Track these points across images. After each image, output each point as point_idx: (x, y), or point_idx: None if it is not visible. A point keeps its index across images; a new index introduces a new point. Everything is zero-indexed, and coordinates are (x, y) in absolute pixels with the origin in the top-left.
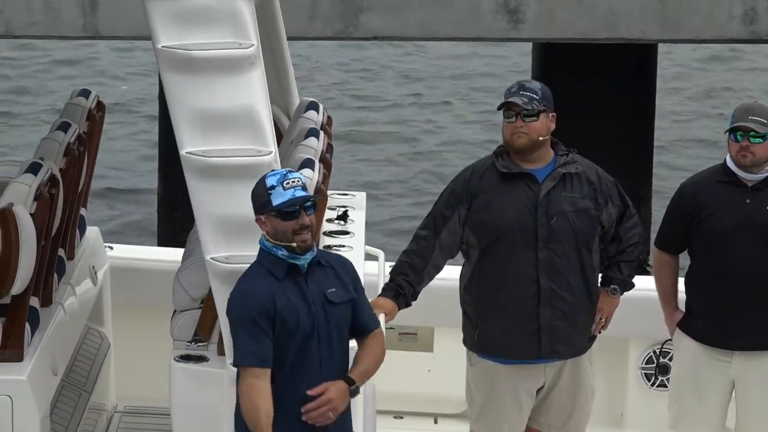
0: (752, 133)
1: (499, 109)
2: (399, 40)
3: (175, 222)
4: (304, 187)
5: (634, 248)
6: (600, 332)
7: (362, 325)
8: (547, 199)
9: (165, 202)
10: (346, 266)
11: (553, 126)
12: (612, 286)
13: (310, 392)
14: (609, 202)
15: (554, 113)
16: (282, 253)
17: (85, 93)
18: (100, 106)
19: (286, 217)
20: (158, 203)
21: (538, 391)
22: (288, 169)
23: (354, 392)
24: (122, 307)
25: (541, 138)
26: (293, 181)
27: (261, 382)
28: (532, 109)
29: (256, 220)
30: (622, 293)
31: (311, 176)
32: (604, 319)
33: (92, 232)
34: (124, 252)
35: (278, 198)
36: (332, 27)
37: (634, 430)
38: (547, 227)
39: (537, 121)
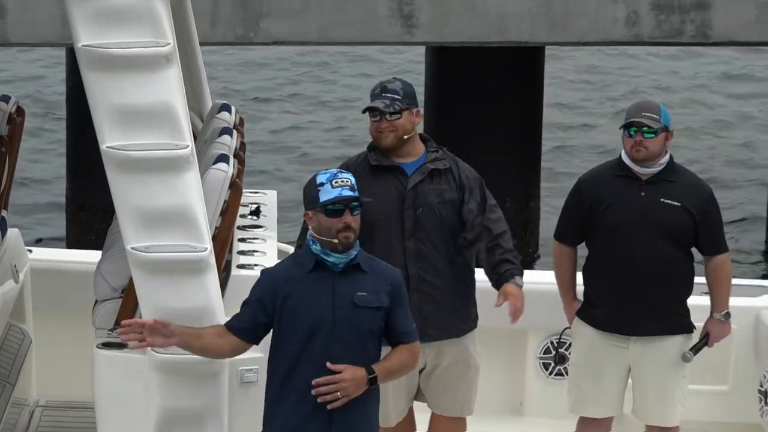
0: (645, 128)
1: (363, 112)
2: (299, 45)
3: (83, 222)
4: (352, 188)
5: (505, 236)
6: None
7: (397, 335)
8: (414, 192)
9: (73, 203)
10: (388, 277)
11: (419, 120)
12: (515, 277)
13: (329, 366)
14: (471, 197)
15: (419, 109)
16: (315, 247)
17: (5, 98)
18: (20, 110)
19: (331, 214)
20: (66, 204)
21: (421, 371)
22: (339, 169)
23: (371, 382)
24: (43, 307)
25: (406, 136)
26: (342, 181)
27: (224, 337)
28: (394, 110)
29: (304, 215)
30: (522, 277)
31: (226, 170)
32: (516, 306)
33: (12, 233)
34: (43, 254)
35: (325, 195)
36: (233, 32)
37: (533, 418)
38: (413, 218)
39: (401, 118)
